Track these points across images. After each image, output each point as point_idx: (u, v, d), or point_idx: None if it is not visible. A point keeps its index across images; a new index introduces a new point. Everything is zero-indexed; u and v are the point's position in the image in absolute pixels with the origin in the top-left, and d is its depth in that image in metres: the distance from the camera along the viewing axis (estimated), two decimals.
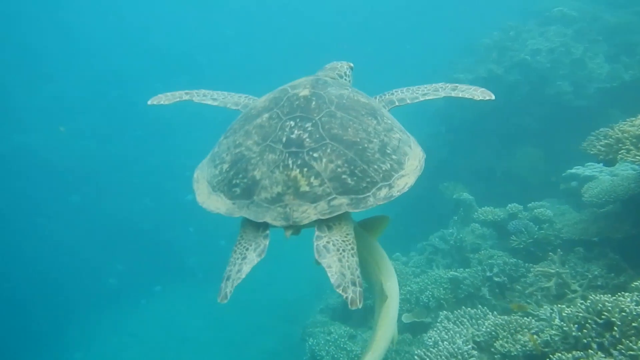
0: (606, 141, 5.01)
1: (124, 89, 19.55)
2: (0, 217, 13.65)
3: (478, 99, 3.00)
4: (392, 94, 3.01)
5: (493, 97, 2.99)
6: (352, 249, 2.15)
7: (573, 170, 7.65)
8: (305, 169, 2.20)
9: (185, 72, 21.67)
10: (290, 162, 2.22)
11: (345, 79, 3.08)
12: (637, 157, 4.60)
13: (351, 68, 3.18)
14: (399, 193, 2.33)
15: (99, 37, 24.16)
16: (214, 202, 2.37)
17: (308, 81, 2.67)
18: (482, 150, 11.58)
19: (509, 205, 7.35)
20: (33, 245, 13.60)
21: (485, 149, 11.54)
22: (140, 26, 26.46)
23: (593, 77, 9.82)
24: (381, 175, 2.29)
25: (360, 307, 1.94)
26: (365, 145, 2.33)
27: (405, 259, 8.57)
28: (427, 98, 2.99)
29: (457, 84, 3.06)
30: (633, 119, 4.98)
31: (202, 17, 27.55)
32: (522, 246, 6.62)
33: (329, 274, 2.01)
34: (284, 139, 2.30)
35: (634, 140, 4.76)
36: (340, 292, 1.97)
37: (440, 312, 5.33)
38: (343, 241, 2.16)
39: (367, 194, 2.23)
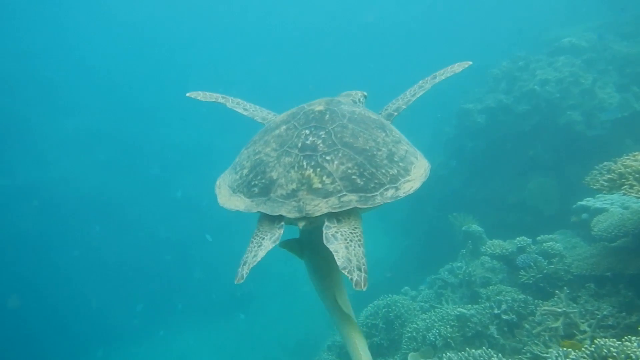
0: (609, 176, 4.92)
1: (143, 121, 20.12)
2: (16, 250, 13.99)
3: (459, 71, 3.28)
4: (387, 108, 3.22)
5: (470, 63, 3.29)
6: (359, 240, 2.31)
7: (584, 202, 7.50)
8: (319, 169, 2.41)
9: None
10: (304, 163, 2.45)
11: (358, 105, 3.26)
12: None
13: (365, 97, 3.38)
14: (404, 194, 2.49)
15: (119, 71, 25.03)
16: (233, 202, 2.58)
17: (323, 100, 2.94)
18: (495, 180, 11.46)
19: (518, 238, 7.19)
20: (50, 278, 13.87)
21: (498, 179, 11.43)
22: (161, 59, 27.40)
23: (604, 106, 9.72)
24: (389, 178, 2.49)
25: (364, 289, 2.09)
26: (374, 153, 2.55)
27: (415, 293, 8.42)
28: (417, 96, 3.21)
29: (435, 73, 3.27)
30: (636, 153, 4.89)
31: (230, 47, 28.19)
32: (531, 281, 6.44)
33: (336, 258, 2.17)
34: (300, 144, 2.54)
35: (637, 175, 4.67)
36: (346, 273, 2.13)
37: (444, 354, 5.18)
38: (351, 233, 2.32)
39: (375, 193, 2.41)
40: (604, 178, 4.96)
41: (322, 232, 2.32)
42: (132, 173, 17.63)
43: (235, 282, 2.22)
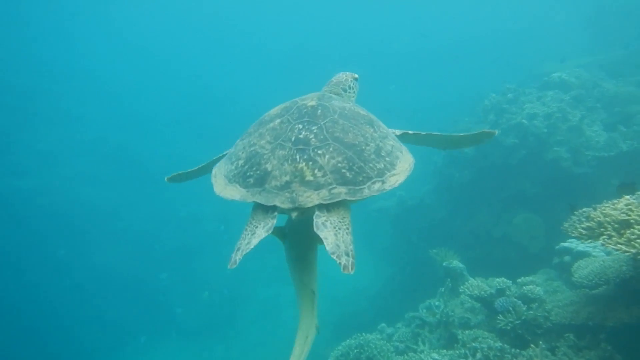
0: (588, 224, 4.71)
1: (125, 134, 19.89)
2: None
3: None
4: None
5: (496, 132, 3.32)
6: (348, 228, 2.44)
7: (566, 244, 7.27)
8: (311, 163, 2.54)
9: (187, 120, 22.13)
10: (297, 156, 2.57)
11: (350, 92, 3.46)
12: (620, 246, 4.28)
13: (356, 79, 3.51)
14: (390, 187, 2.63)
15: (103, 83, 24.93)
16: (229, 191, 2.70)
17: (315, 95, 3.07)
18: (481, 212, 11.26)
19: (497, 279, 6.94)
20: (21, 291, 13.40)
21: (484, 211, 11.22)
22: (146, 69, 27.28)
23: (591, 144, 9.59)
24: (376, 172, 2.63)
25: (351, 272, 2.21)
26: (363, 147, 2.69)
27: (391, 331, 8.10)
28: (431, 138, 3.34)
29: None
30: (616, 201, 4.69)
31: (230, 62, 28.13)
32: (509, 327, 6.17)
33: (325, 244, 2.30)
34: (293, 138, 2.66)
35: (616, 225, 4.46)
36: (335, 258, 2.25)
37: None
38: (340, 222, 2.45)
39: (363, 186, 2.55)
40: (582, 226, 4.75)
41: (310, 221, 2.45)
42: (111, 186, 17.27)
43: (228, 267, 2.29)
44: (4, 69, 22.77)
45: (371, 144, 2.73)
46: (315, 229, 2.38)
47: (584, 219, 4.83)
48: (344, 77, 3.49)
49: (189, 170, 3.65)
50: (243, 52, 31.12)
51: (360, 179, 2.55)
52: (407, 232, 12.88)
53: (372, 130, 2.85)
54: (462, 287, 7.30)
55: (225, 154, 3.22)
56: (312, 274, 2.90)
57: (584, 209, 5.01)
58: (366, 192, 2.55)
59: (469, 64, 22.72)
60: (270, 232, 2.43)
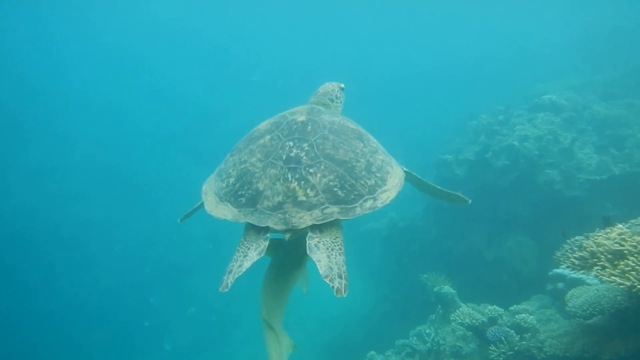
0: (580, 253, 4.53)
1: (114, 152, 19.66)
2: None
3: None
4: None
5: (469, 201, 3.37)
6: (340, 249, 2.42)
7: (559, 270, 7.08)
8: (303, 182, 2.51)
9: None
10: (289, 175, 2.53)
11: (337, 102, 3.42)
12: (614, 278, 4.11)
13: (342, 89, 3.48)
14: (382, 205, 2.61)
15: (92, 100, 24.84)
16: (221, 211, 2.66)
17: (304, 109, 3.00)
18: (473, 235, 11.08)
19: (489, 307, 6.73)
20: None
21: (476, 234, 11.04)
22: (136, 86, 27.28)
23: (582, 167, 9.49)
24: (367, 189, 2.60)
25: (344, 295, 2.19)
26: (354, 164, 2.66)
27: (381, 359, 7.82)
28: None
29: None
30: (609, 230, 4.53)
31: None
32: (502, 358, 5.94)
33: (318, 267, 2.28)
34: (284, 157, 2.62)
35: (610, 256, 4.29)
36: (328, 281, 2.23)
37: None
38: (332, 242, 2.44)
39: (355, 205, 2.53)
40: (575, 255, 4.57)
41: (302, 240, 2.45)
42: (97, 204, 16.93)
43: (220, 290, 2.27)
44: None
45: (362, 160, 2.71)
46: (308, 252, 2.36)
47: (576, 248, 4.66)
48: (331, 87, 3.46)
49: (197, 205, 3.45)
50: (233, 69, 31.27)
51: (352, 197, 2.54)
52: (398, 253, 12.66)
53: (362, 145, 2.83)
54: (453, 314, 7.08)
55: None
56: (284, 299, 2.86)
57: (577, 238, 4.85)
58: (358, 211, 2.53)
59: (461, 84, 22.84)
60: (262, 254, 2.41)
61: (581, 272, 4.42)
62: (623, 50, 17.81)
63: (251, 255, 2.40)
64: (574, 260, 4.55)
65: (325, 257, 2.33)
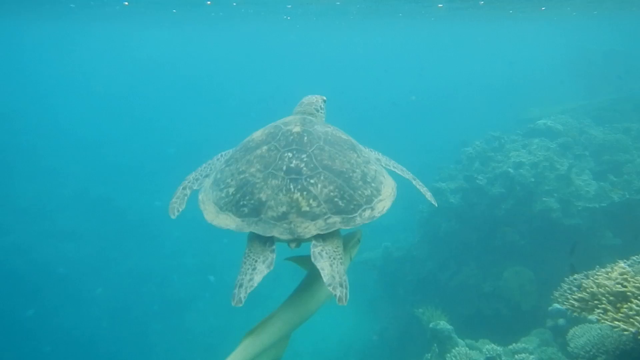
0: (580, 294, 4.18)
1: (106, 186, 19.39)
2: None
3: (428, 198, 3.40)
4: (372, 151, 3.39)
5: (435, 205, 3.40)
6: (341, 258, 2.52)
7: (560, 305, 6.67)
8: (305, 192, 2.56)
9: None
10: (292, 186, 2.57)
11: (321, 112, 3.45)
12: (617, 323, 3.75)
13: (324, 101, 3.53)
14: (379, 214, 2.70)
15: (83, 136, 24.84)
16: (223, 220, 2.65)
17: (297, 119, 3.05)
18: (470, 265, 10.68)
19: (487, 346, 6.34)
20: None
21: (473, 264, 10.65)
22: (126, 120, 27.39)
23: (581, 194, 9.18)
24: (364, 199, 2.69)
25: (345, 304, 2.26)
26: (351, 175, 2.74)
27: None
28: (395, 170, 3.39)
29: (416, 178, 3.47)
30: (609, 269, 4.20)
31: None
32: None
33: (322, 274, 2.36)
34: (285, 167, 2.66)
35: (612, 298, 3.94)
36: (331, 290, 2.32)
37: None
38: (334, 251, 2.51)
39: (355, 215, 2.61)
40: (574, 297, 4.22)
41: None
42: (90, 240, 16.55)
43: (233, 305, 2.26)
44: None
45: (357, 170, 2.79)
46: (312, 259, 2.43)
47: (575, 289, 4.31)
48: (314, 99, 3.49)
49: (180, 192, 3.36)
50: (222, 100, 31.50)
51: (352, 207, 2.61)
52: (393, 285, 12.21)
53: (355, 155, 2.91)
54: (449, 354, 6.64)
55: (206, 175, 3.27)
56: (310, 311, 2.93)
57: (575, 276, 4.50)
58: (358, 221, 2.60)
59: (455, 109, 22.77)
60: (271, 267, 2.42)
61: (582, 314, 4.05)
62: (617, 74, 17.76)
63: (260, 268, 2.40)
64: (573, 302, 4.20)
65: (328, 265, 2.40)
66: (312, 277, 2.98)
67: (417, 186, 3.42)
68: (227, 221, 2.64)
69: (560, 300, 4.35)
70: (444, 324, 7.73)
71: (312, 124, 3.02)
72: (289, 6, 19.08)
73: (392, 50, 51.69)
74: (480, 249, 10.50)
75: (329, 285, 2.32)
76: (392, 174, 3.25)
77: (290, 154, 2.72)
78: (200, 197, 2.99)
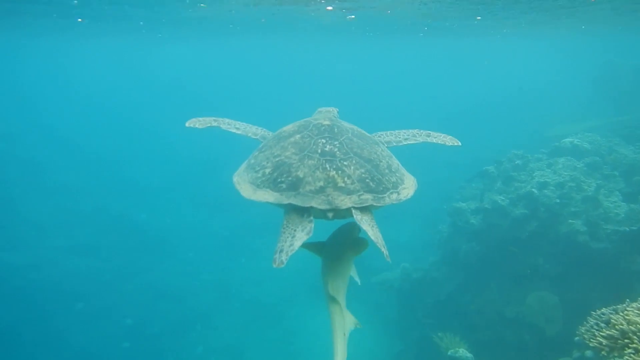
0: (609, 332, 3.86)
1: (125, 203, 19.59)
2: None
3: (448, 144, 3.81)
4: (380, 136, 3.70)
5: (459, 144, 3.80)
6: (376, 226, 2.78)
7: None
8: (340, 172, 2.87)
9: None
10: (327, 165, 2.89)
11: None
12: None
13: (337, 112, 3.82)
14: (405, 198, 3.01)
15: (101, 151, 25.30)
16: (261, 195, 2.89)
17: (325, 116, 3.45)
18: (491, 289, 10.26)
19: None
20: None
21: (495, 287, 10.23)
22: (144, 138, 27.85)
23: (610, 217, 8.73)
24: (391, 184, 3.01)
25: (389, 260, 2.54)
26: (378, 163, 3.07)
27: None
28: (408, 142, 3.73)
29: (430, 132, 3.82)
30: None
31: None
32: None
33: (369, 234, 2.67)
34: (319, 150, 2.98)
35: None
36: (379, 246, 2.62)
37: None
38: (372, 220, 2.82)
39: (384, 195, 2.91)
40: (602, 334, 3.90)
41: (344, 233, 3.18)
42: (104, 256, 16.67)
43: (274, 266, 2.44)
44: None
45: (383, 161, 3.11)
46: (358, 221, 2.73)
47: (603, 325, 3.98)
48: (330, 109, 3.78)
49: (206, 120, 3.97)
50: (239, 115, 31.81)
51: (381, 188, 2.91)
52: (411, 307, 11.82)
53: (380, 149, 3.25)
54: None
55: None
56: (343, 283, 3.19)
57: (603, 311, 4.17)
58: (387, 200, 2.89)
59: (477, 127, 22.29)
60: (310, 234, 2.63)
61: (610, 355, 3.72)
62: None
63: (299, 235, 2.61)
64: (600, 339, 3.87)
65: (370, 228, 2.69)
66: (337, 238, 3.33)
67: (435, 140, 3.77)
68: (266, 196, 2.85)
69: (586, 336, 4.03)
70: (463, 352, 7.41)
71: (339, 120, 3.39)
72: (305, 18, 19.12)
73: (410, 66, 51.58)
74: (501, 272, 10.08)
75: (377, 241, 2.61)
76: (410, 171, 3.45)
77: (323, 140, 3.05)
78: (235, 179, 3.19)
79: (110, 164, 23.68)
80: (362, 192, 2.82)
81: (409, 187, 3.10)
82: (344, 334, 2.97)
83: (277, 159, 3.01)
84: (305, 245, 3.11)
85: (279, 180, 2.88)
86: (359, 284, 3.41)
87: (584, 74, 25.47)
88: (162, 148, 25.86)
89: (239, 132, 3.87)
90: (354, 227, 3.35)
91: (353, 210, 2.77)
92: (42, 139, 26.35)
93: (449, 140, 3.80)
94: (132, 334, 13.65)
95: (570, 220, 8.91)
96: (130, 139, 27.60)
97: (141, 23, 18.45)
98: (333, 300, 3.04)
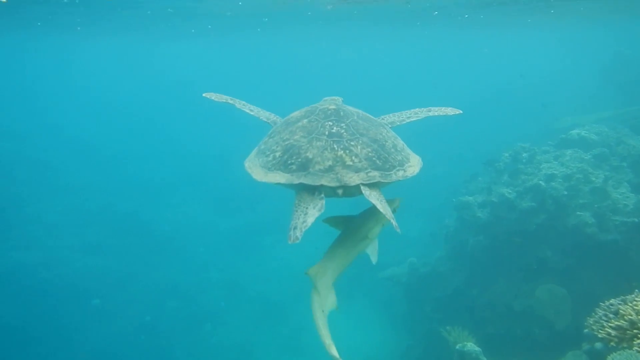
0: (617, 322, 3.83)
1: (133, 201, 19.67)
2: None
3: (450, 114, 3.93)
4: (383, 118, 3.79)
5: (460, 112, 3.94)
6: (385, 200, 2.91)
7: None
8: (347, 151, 2.98)
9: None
10: (335, 146, 2.99)
11: None
12: None
13: (342, 101, 3.84)
14: (411, 175, 3.12)
15: (109, 150, 25.39)
16: (273, 177, 3.00)
17: (330, 102, 3.54)
18: (499, 282, 10.21)
19: None
20: None
21: (503, 281, 10.17)
22: (150, 134, 27.96)
23: (618, 208, 8.65)
24: (397, 162, 3.11)
25: (399, 232, 2.71)
26: (384, 143, 3.18)
27: None
28: (410, 121, 3.83)
29: (430, 107, 3.92)
30: None
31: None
32: None
33: (378, 206, 2.77)
34: (327, 132, 3.09)
35: None
36: (388, 217, 2.74)
37: None
38: (380, 195, 2.92)
39: (391, 172, 3.02)
40: (611, 325, 3.88)
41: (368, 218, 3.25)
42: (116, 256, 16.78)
43: (289, 242, 2.52)
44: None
45: (388, 141, 3.22)
46: (367, 198, 2.83)
47: (611, 315, 3.96)
48: (335, 98, 3.80)
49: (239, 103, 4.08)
50: (245, 114, 31.87)
51: (388, 166, 3.01)
52: (420, 302, 11.80)
53: (385, 131, 3.37)
54: None
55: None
56: (346, 261, 3.25)
57: (612, 301, 4.14)
58: (394, 177, 3.00)
59: (483, 119, 22.12)
60: (322, 210, 2.72)
61: (620, 345, 3.70)
62: None
63: (312, 212, 2.69)
64: (609, 330, 3.84)
65: (379, 202, 2.79)
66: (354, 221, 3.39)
67: (436, 113, 3.86)
68: (277, 177, 2.96)
69: (595, 327, 4.00)
70: (471, 346, 7.38)
71: (344, 105, 3.50)
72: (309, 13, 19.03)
73: (414, 57, 51.30)
74: (510, 265, 10.02)
75: (386, 214, 2.72)
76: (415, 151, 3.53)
77: (330, 123, 3.16)
78: (246, 164, 3.31)
79: (120, 162, 23.77)
80: (369, 170, 2.92)
81: (414, 165, 3.21)
82: (323, 311, 3.01)
83: (286, 143, 3.12)
84: (331, 218, 3.31)
85: (289, 162, 2.98)
86: (374, 262, 3.49)
87: (592, 65, 25.19)
88: (171, 147, 25.91)
89: (252, 113, 4.03)
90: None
91: (362, 187, 2.87)
92: (51, 139, 26.48)
93: (450, 111, 3.92)
94: (143, 332, 13.77)
95: (578, 212, 8.85)
96: (139, 137, 27.66)
97: (148, 12, 18.29)
98: (324, 273, 3.08)
